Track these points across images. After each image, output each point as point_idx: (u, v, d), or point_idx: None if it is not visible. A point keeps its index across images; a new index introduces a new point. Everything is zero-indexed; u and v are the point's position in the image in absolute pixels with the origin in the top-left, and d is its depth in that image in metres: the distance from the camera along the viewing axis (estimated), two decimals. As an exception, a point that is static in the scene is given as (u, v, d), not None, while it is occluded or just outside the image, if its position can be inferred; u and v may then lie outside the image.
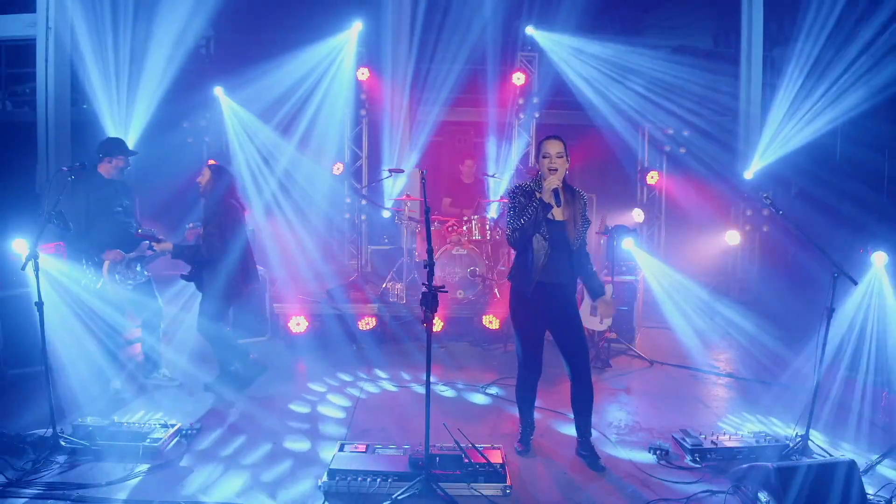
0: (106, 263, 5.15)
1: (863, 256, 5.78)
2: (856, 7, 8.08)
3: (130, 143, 8.54)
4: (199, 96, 9.37)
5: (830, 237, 6.18)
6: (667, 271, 7.72)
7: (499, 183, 9.14)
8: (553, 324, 4.20)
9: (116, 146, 5.30)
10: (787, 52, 8.74)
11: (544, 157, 4.03)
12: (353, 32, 9.39)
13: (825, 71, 8.23)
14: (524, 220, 4.00)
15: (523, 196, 4.07)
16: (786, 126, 8.71)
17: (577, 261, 4.16)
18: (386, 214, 9.05)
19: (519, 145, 9.73)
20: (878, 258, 5.59)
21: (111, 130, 8.32)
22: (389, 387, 5.69)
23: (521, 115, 9.68)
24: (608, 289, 6.29)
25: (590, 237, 4.45)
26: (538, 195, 4.00)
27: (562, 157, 4.02)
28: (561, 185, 4.01)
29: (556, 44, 9.52)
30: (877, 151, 8.06)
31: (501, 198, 8.39)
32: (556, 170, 3.99)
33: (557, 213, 4.08)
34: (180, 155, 8.96)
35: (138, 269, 5.38)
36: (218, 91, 9.23)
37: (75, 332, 5.28)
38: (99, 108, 8.39)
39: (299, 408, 5.14)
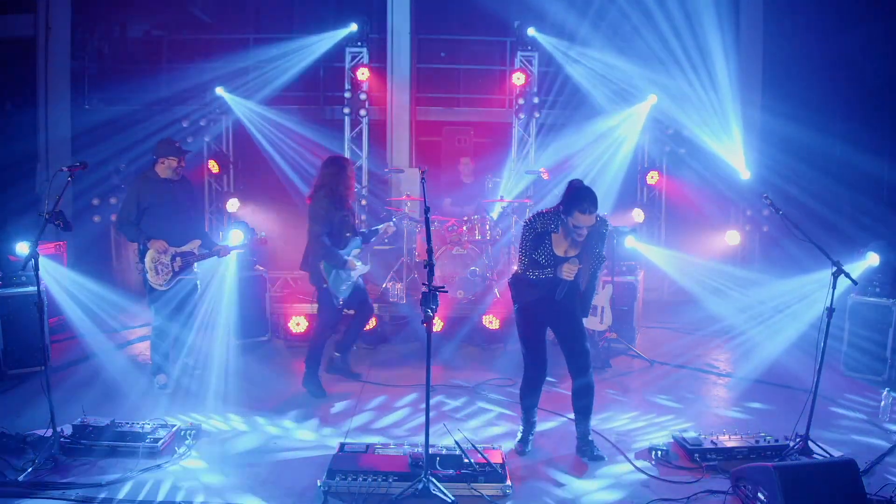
0: (149, 253, 5.28)
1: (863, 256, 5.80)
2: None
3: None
4: (199, 95, 9.37)
5: (830, 237, 6.20)
6: (675, 254, 8.07)
7: (499, 183, 9.14)
8: (554, 322, 4.20)
9: (166, 147, 5.41)
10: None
11: (576, 227, 3.93)
12: (350, 32, 9.38)
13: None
14: (539, 258, 4.02)
15: (541, 231, 4.04)
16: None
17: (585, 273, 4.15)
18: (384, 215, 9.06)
19: (519, 145, 9.72)
20: (871, 258, 5.63)
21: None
22: (389, 387, 5.69)
23: (521, 115, 9.67)
24: (608, 289, 6.31)
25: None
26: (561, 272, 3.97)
27: (589, 228, 3.96)
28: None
29: (555, 46, 9.51)
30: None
31: (501, 197, 8.40)
32: (582, 238, 3.98)
33: (562, 249, 4.09)
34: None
35: (178, 265, 5.38)
36: (219, 91, 9.22)
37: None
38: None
39: (299, 408, 5.14)
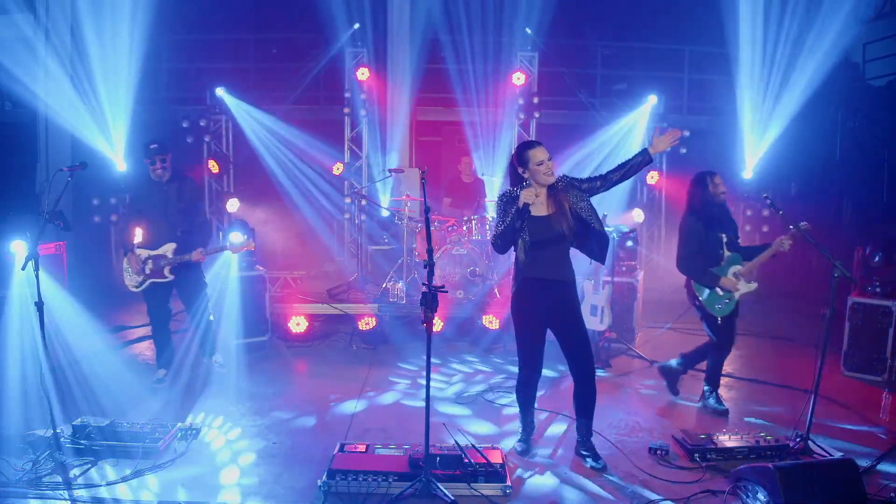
0: (127, 254, 5.45)
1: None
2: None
3: (122, 144, 8.56)
4: (198, 96, 9.38)
5: (830, 236, 6.19)
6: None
7: (499, 183, 9.15)
8: (553, 322, 4.20)
9: (144, 150, 5.45)
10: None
11: (539, 165, 3.99)
12: (351, 32, 9.40)
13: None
14: (502, 227, 4.01)
15: (508, 203, 4.05)
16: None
17: (582, 243, 4.09)
18: (385, 214, 9.06)
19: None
20: (874, 257, 5.62)
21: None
22: (389, 387, 5.69)
23: (521, 115, 9.68)
24: (608, 288, 6.30)
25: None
26: (520, 202, 3.94)
27: (552, 158, 4.07)
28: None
29: (554, 46, 9.52)
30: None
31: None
32: (553, 173, 4.03)
33: (539, 209, 4.06)
34: (179, 156, 8.98)
35: (149, 268, 5.40)
36: (220, 92, 9.22)
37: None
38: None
39: (299, 408, 5.14)
